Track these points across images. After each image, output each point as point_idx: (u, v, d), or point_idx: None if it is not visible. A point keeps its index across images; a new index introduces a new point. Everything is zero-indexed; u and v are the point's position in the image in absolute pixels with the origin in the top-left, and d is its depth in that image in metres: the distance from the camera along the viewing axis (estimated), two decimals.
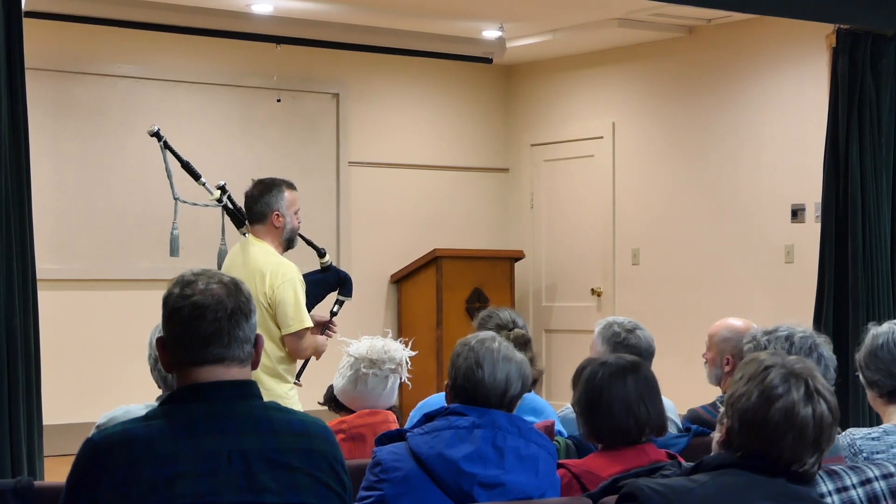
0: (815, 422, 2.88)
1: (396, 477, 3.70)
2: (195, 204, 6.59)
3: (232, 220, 6.47)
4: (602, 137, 11.27)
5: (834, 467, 3.73)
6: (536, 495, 3.74)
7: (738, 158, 10.15)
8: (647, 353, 5.22)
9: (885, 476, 3.74)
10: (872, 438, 4.30)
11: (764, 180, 9.96)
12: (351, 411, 5.10)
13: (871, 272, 8.54)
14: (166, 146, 6.48)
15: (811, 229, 9.29)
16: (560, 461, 3.97)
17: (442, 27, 10.51)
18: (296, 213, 6.32)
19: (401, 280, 11.22)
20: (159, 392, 4.18)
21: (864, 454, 4.24)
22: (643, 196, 10.93)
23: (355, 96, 11.16)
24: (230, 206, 6.43)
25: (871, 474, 3.73)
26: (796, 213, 9.79)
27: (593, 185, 11.32)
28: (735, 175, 10.19)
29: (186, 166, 6.56)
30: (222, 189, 6.49)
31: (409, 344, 5.23)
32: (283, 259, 6.23)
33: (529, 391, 4.31)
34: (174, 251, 6.54)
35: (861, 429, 4.39)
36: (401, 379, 5.09)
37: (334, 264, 7.04)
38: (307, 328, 6.19)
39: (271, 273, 6.12)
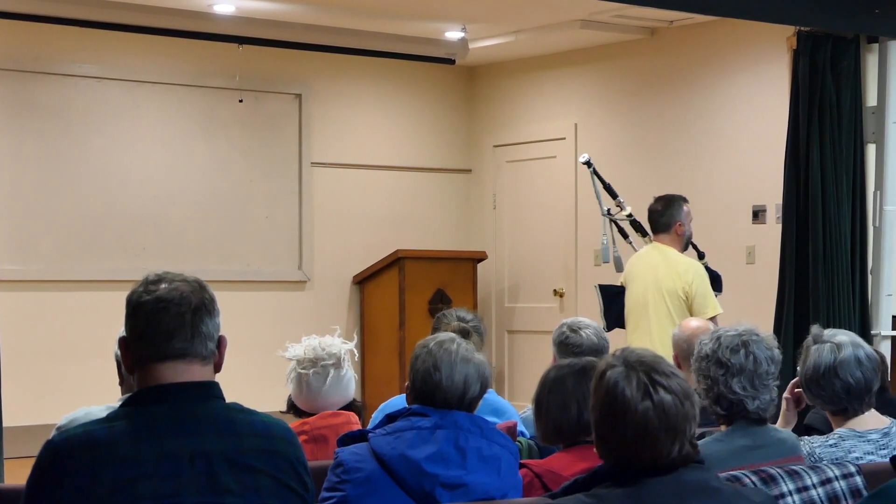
0: (658, 412, 2.84)
1: (358, 478, 3.70)
2: (615, 218, 8.04)
3: (636, 230, 7.98)
4: (564, 138, 11.29)
5: (794, 467, 3.76)
6: (499, 496, 3.75)
7: (699, 160, 10.19)
8: (590, 352, 5.24)
9: (846, 476, 3.77)
10: (830, 445, 4.31)
11: (725, 181, 10.00)
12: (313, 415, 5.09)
13: (831, 273, 8.59)
14: (595, 172, 7.96)
15: (772, 230, 9.33)
16: (522, 461, 3.99)
17: (404, 28, 10.51)
18: (690, 222, 7.66)
19: (363, 281, 11.21)
20: (121, 393, 4.17)
21: (825, 461, 4.25)
22: (605, 196, 10.94)
23: (318, 97, 11.14)
24: (636, 219, 7.93)
25: (831, 474, 3.75)
26: (757, 215, 9.83)
27: (555, 186, 11.34)
28: (696, 176, 10.22)
29: (608, 188, 8.04)
30: (620, 206, 8.08)
31: (355, 337, 5.19)
32: (692, 260, 7.61)
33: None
34: (606, 258, 8.00)
35: (816, 437, 4.41)
36: (343, 372, 5.03)
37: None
38: (717, 314, 7.37)
39: (685, 271, 7.45)
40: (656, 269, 7.51)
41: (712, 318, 7.13)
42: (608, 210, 7.92)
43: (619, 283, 7.91)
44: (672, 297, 7.48)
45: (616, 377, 2.88)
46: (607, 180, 10.82)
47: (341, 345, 5.06)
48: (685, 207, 7.65)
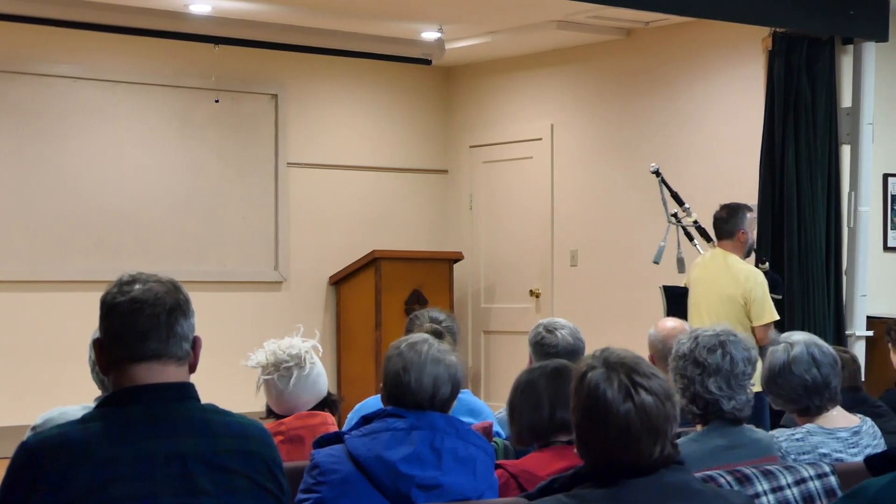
0: (640, 413, 2.83)
1: (334, 479, 3.70)
2: (682, 224, 8.25)
3: (702, 236, 8.18)
4: (541, 139, 11.31)
5: (769, 467, 3.77)
6: (475, 496, 3.75)
7: (675, 160, 10.20)
8: (565, 353, 5.26)
9: (820, 476, 3.78)
10: (797, 439, 4.33)
11: (700, 182, 10.01)
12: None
13: (806, 272, 8.63)
14: (663, 181, 8.22)
15: (672, 230, 9.33)
16: (498, 461, 3.99)
17: (381, 28, 10.50)
18: (753, 230, 7.96)
19: (339, 282, 11.20)
20: (97, 393, 4.15)
21: (792, 456, 4.27)
22: (581, 197, 10.97)
23: (294, 97, 11.13)
24: (701, 225, 8.16)
25: (805, 474, 3.76)
26: None
27: (532, 186, 11.35)
28: (672, 177, 10.22)
29: (675, 195, 8.26)
30: (687, 213, 8.26)
31: (317, 333, 5.16)
32: (752, 267, 7.86)
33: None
34: (657, 259, 8.17)
35: (784, 430, 4.42)
36: (307, 371, 5.00)
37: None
38: (774, 320, 7.67)
39: (745, 278, 7.70)
40: (717, 275, 7.81)
41: (768, 325, 7.58)
42: (674, 214, 8.19)
43: (682, 285, 8.14)
44: (732, 302, 7.71)
45: (597, 379, 2.87)
46: (589, 180, 10.90)
47: (301, 344, 5.04)
48: (749, 215, 7.92)
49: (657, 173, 8.20)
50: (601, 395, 2.85)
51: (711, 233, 8.06)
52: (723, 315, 7.61)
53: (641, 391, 2.85)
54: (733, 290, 7.71)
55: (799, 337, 4.49)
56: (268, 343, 5.05)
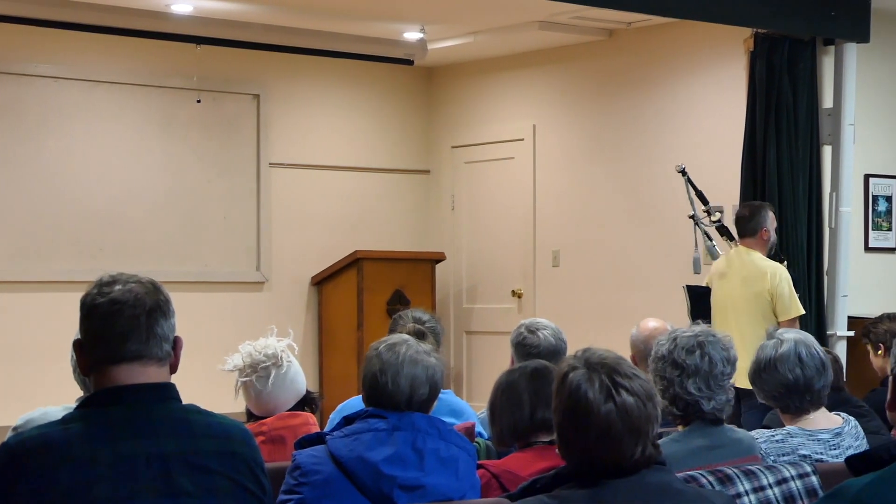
0: (621, 414, 2.83)
1: (316, 480, 3.69)
2: (704, 224, 8.28)
3: (723, 235, 8.24)
4: (523, 140, 11.31)
5: (750, 467, 3.77)
6: (457, 497, 3.75)
7: (657, 161, 10.22)
8: (547, 353, 5.26)
9: (802, 476, 3.78)
10: (777, 441, 4.34)
11: (682, 183, 10.02)
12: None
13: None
14: (689, 181, 8.27)
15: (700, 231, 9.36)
16: (479, 462, 3.99)
17: (363, 29, 10.49)
18: (774, 228, 8.08)
19: (322, 282, 11.19)
20: (79, 394, 4.14)
21: (772, 457, 4.28)
22: (563, 198, 10.97)
23: (276, 97, 11.11)
24: (724, 224, 8.23)
25: (787, 474, 3.77)
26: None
27: (514, 187, 11.35)
28: (654, 177, 10.25)
29: (700, 195, 8.32)
30: (709, 213, 8.30)
31: (290, 332, 5.15)
32: (776, 263, 7.98)
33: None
34: (697, 269, 8.34)
35: (763, 431, 4.43)
36: (284, 370, 4.99)
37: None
38: (800, 314, 7.86)
39: (771, 274, 7.84)
40: (742, 272, 7.94)
41: (794, 319, 7.75)
42: (693, 215, 8.29)
43: (704, 284, 8.27)
44: (758, 298, 7.84)
45: (578, 379, 2.87)
46: (571, 181, 10.90)
47: (277, 344, 5.03)
48: (771, 214, 8.08)
49: (683, 172, 8.30)
50: (582, 395, 2.85)
51: (733, 231, 8.18)
52: (748, 312, 7.78)
53: (623, 392, 2.85)
54: (759, 286, 7.85)
55: (791, 335, 4.50)
56: (243, 345, 5.04)
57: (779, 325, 7.53)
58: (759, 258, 7.97)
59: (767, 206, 8.14)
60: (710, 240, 8.30)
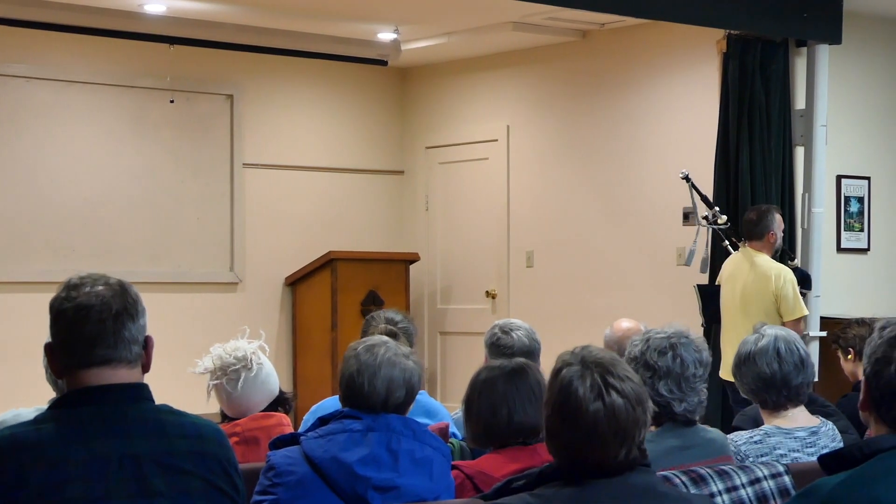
0: (608, 414, 2.84)
1: (290, 481, 3.69)
2: (715, 226, 8.42)
3: (727, 237, 8.41)
4: (497, 140, 11.32)
5: (724, 467, 3.78)
6: (431, 498, 3.75)
7: (630, 162, 10.25)
8: (521, 353, 5.25)
9: (774, 475, 3.79)
10: (755, 442, 4.35)
11: (656, 183, 10.05)
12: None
13: None
14: (693, 186, 8.34)
15: (702, 232, 9.40)
16: (453, 462, 3.98)
17: (337, 29, 10.48)
18: (781, 230, 8.24)
19: (295, 283, 11.18)
20: (52, 395, 4.13)
21: (750, 458, 4.29)
22: (537, 199, 10.98)
23: (250, 98, 11.09)
24: (731, 227, 8.41)
25: (760, 474, 3.78)
26: (687, 217, 9.87)
27: (488, 187, 11.36)
28: (628, 178, 10.28)
29: (705, 199, 8.47)
30: (714, 215, 8.42)
31: (262, 333, 5.14)
32: (781, 265, 8.18)
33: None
34: (689, 262, 8.50)
35: (741, 433, 4.44)
36: (255, 372, 4.97)
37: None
38: (804, 315, 8.09)
39: (775, 276, 8.03)
40: (748, 273, 8.12)
41: (799, 320, 7.99)
42: (705, 217, 8.41)
43: (715, 283, 8.45)
44: (763, 299, 8.01)
45: (571, 375, 2.88)
46: (545, 182, 10.92)
47: (247, 346, 5.02)
48: (777, 217, 8.25)
49: (687, 178, 8.36)
50: (573, 391, 2.86)
51: (744, 234, 8.29)
52: (755, 312, 7.89)
53: (613, 392, 2.86)
54: (764, 287, 8.03)
55: (772, 331, 4.52)
56: (214, 348, 5.03)
57: (783, 325, 7.60)
58: (765, 260, 8.14)
59: (774, 209, 8.29)
60: (724, 240, 8.44)
